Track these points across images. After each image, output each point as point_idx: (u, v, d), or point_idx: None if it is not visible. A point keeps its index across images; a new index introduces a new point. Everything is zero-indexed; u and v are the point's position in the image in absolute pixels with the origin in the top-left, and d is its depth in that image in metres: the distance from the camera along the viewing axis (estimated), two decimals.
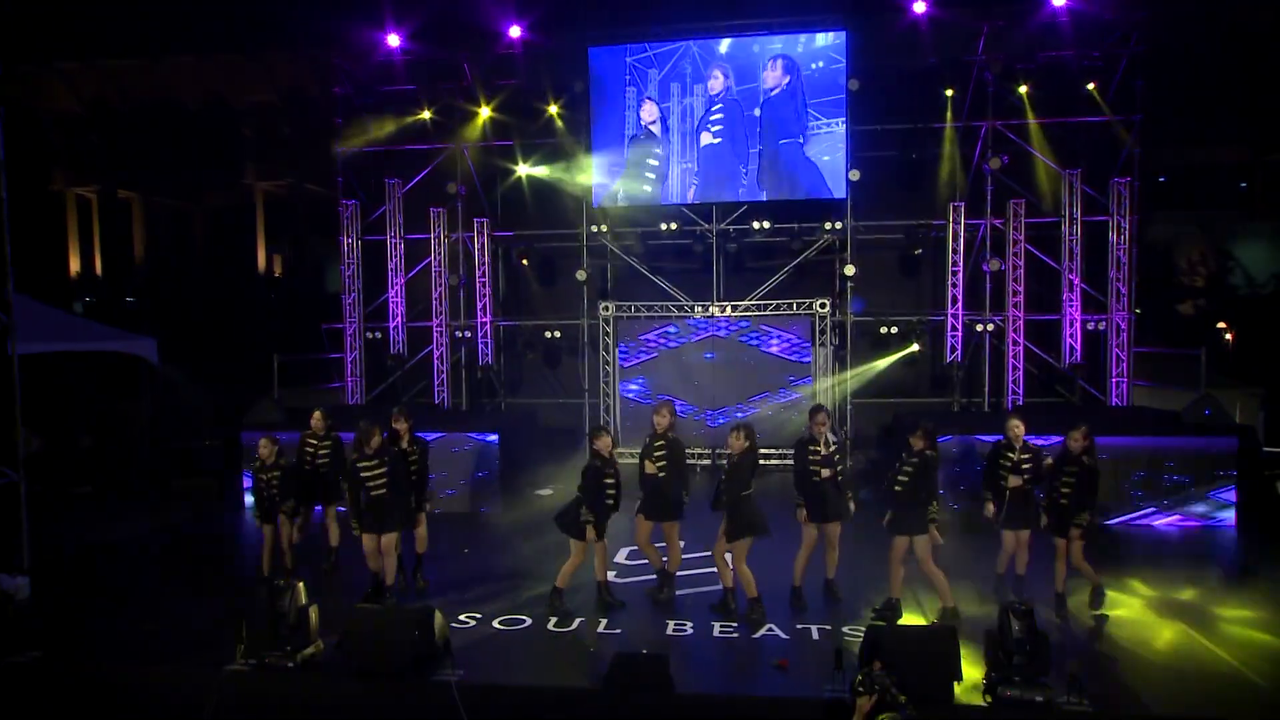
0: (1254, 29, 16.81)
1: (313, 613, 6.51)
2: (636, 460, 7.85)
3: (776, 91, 13.48)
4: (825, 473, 7.45)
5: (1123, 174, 13.30)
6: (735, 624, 7.17)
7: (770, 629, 7.08)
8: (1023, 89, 13.31)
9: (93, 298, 23.11)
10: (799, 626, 7.13)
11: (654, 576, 8.03)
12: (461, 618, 7.37)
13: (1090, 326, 13.52)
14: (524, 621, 7.33)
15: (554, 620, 7.30)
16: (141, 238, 24.20)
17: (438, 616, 6.39)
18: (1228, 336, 18.97)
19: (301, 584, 6.53)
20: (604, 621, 7.28)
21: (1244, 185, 20.50)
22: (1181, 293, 19.69)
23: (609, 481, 7.33)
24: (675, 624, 7.23)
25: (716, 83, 13.62)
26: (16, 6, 17.51)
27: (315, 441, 8.70)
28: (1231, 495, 10.05)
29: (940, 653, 5.77)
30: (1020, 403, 13.44)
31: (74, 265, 23.79)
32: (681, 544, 7.92)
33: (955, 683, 5.76)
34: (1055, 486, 7.35)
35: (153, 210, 24.25)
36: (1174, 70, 15.13)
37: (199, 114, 21.51)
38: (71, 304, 21.67)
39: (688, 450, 8.61)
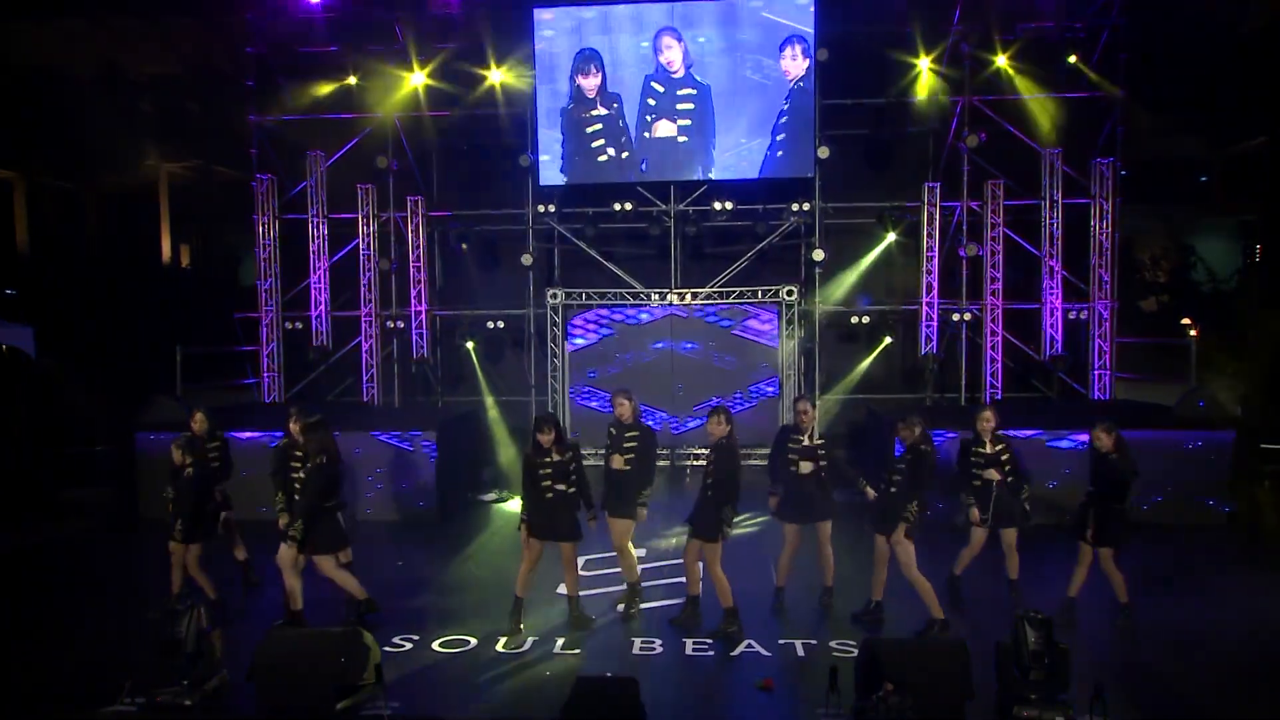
0: (1212, 21, 16.99)
1: (216, 639, 5.79)
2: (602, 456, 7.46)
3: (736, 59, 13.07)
4: (806, 466, 7.03)
5: (1105, 154, 13.23)
6: (710, 640, 6.66)
7: (750, 645, 6.59)
8: (1001, 60, 13.13)
9: None
10: (781, 642, 6.65)
11: (618, 588, 7.59)
12: (395, 640, 6.71)
13: (1072, 315, 13.41)
14: (468, 643, 6.70)
15: (503, 641, 6.69)
16: (24, 222, 22.71)
17: (367, 640, 5.73)
18: (1192, 333, 19.32)
19: (202, 605, 5.80)
20: (561, 641, 6.70)
21: (1204, 179, 20.86)
22: (1144, 289, 19.94)
23: (543, 473, 6.76)
24: (643, 642, 6.69)
25: (673, 53, 13.11)
26: None
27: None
28: (1226, 491, 9.93)
29: (950, 669, 5.34)
30: (999, 397, 13.27)
31: None
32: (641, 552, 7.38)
33: (967, 701, 5.33)
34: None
35: (38, 192, 22.75)
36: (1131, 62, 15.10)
37: (91, 86, 20.15)
38: None
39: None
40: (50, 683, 6.12)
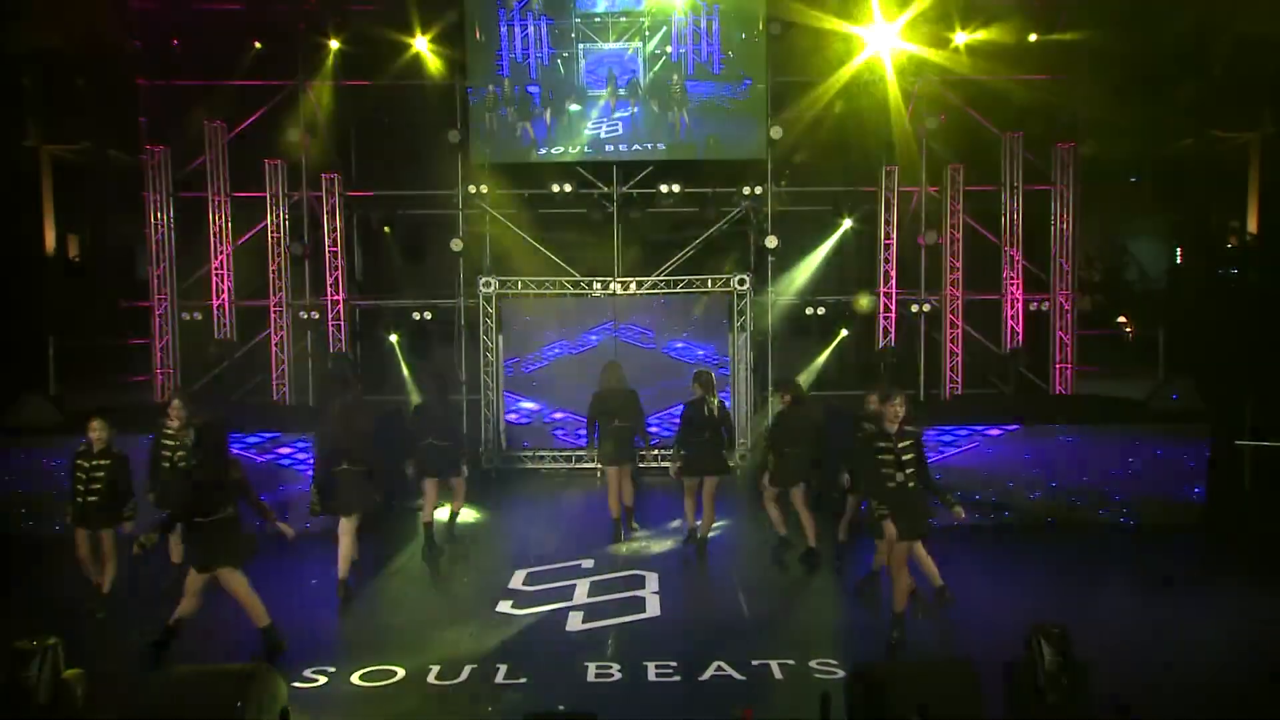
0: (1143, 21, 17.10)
1: (77, 684, 4.84)
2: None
3: (685, 30, 12.47)
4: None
5: (1065, 138, 13.06)
6: (675, 664, 5.99)
7: (719, 668, 5.94)
8: (959, 39, 12.81)
9: None
10: (755, 663, 6.02)
11: (554, 607, 7.03)
12: (307, 674, 5.87)
13: (1033, 307, 13.20)
14: (395, 674, 5.89)
15: (435, 670, 5.90)
16: None
17: (270, 678, 4.87)
18: (1127, 330, 19.67)
19: (58, 642, 4.84)
20: (503, 669, 5.93)
21: (1134, 179, 21.30)
22: (1081, 287, 20.21)
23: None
24: (598, 668, 5.97)
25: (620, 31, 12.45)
26: None
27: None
28: (1202, 487, 9.71)
29: (957, 694, 4.77)
30: (959, 392, 12.97)
31: None
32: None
33: None
34: None
35: None
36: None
37: None
38: None
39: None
40: None
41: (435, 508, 8.87)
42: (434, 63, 12.72)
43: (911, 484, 6.30)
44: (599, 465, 10.31)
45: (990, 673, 5.03)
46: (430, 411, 9.06)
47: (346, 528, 7.38)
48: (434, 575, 8.18)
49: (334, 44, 12.76)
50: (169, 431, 7.57)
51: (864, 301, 12.91)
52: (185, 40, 12.77)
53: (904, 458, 6.29)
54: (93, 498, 7.01)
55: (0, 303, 16.86)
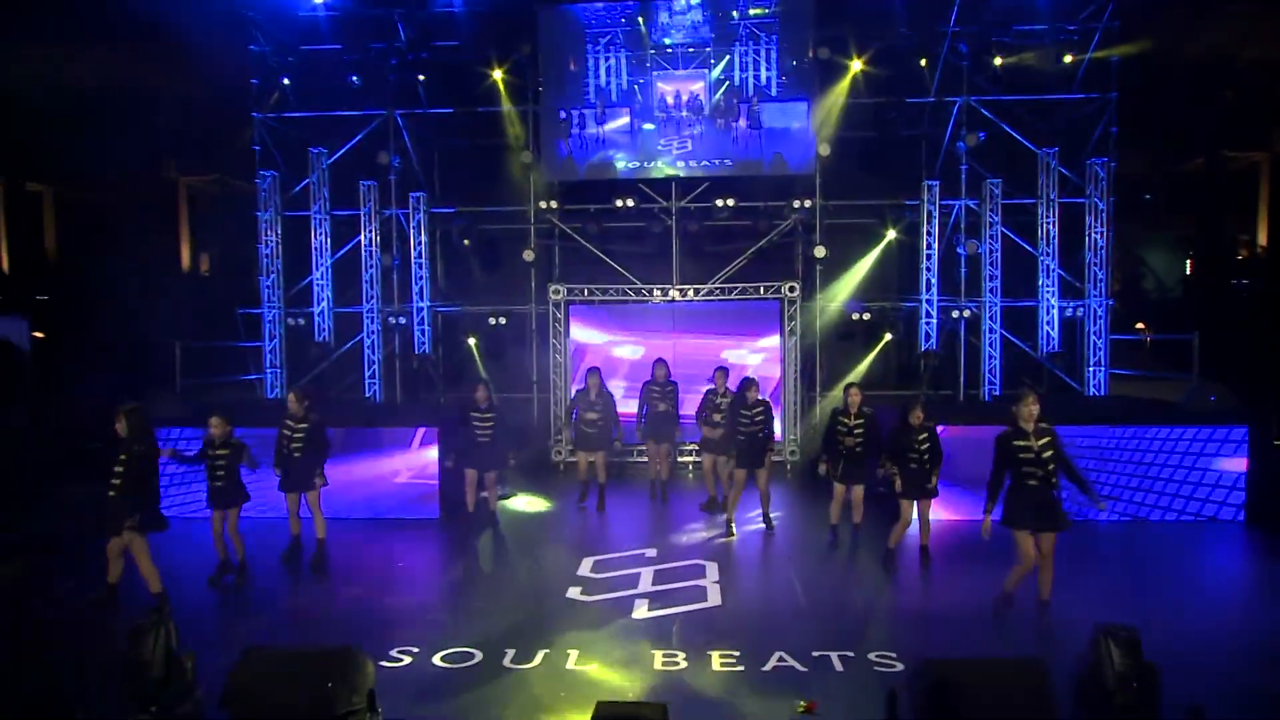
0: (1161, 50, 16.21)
1: (188, 659, 4.67)
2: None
3: (743, 59, 12.04)
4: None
5: (1099, 154, 12.29)
6: (737, 653, 5.59)
7: (780, 658, 5.52)
8: (997, 62, 12.16)
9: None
10: (815, 654, 5.58)
11: (621, 594, 6.71)
12: (393, 653, 5.61)
13: (1068, 313, 12.45)
14: (473, 656, 5.60)
15: (510, 654, 5.59)
16: (53, 231, 21.51)
17: (359, 660, 4.61)
18: (1147, 339, 18.77)
19: (172, 621, 4.67)
20: (574, 655, 5.60)
21: (1148, 197, 20.28)
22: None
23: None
24: (664, 656, 5.60)
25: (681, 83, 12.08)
26: None
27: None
28: (1241, 486, 8.95)
29: (1027, 693, 4.29)
30: (998, 393, 12.28)
31: None
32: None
33: None
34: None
35: (66, 204, 21.53)
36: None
37: (114, 105, 18.85)
38: None
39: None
40: (8, 706, 4.98)
41: (502, 498, 9.08)
42: (508, 90, 12.51)
43: (1053, 480, 5.92)
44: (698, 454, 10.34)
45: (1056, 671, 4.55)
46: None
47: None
48: (509, 561, 7.89)
49: (421, 77, 12.67)
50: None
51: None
52: (293, 77, 12.80)
53: (1043, 455, 5.93)
54: (218, 483, 7.20)
55: (140, 311, 17.29)
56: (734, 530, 8.49)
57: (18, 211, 20.91)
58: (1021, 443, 5.97)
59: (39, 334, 16.59)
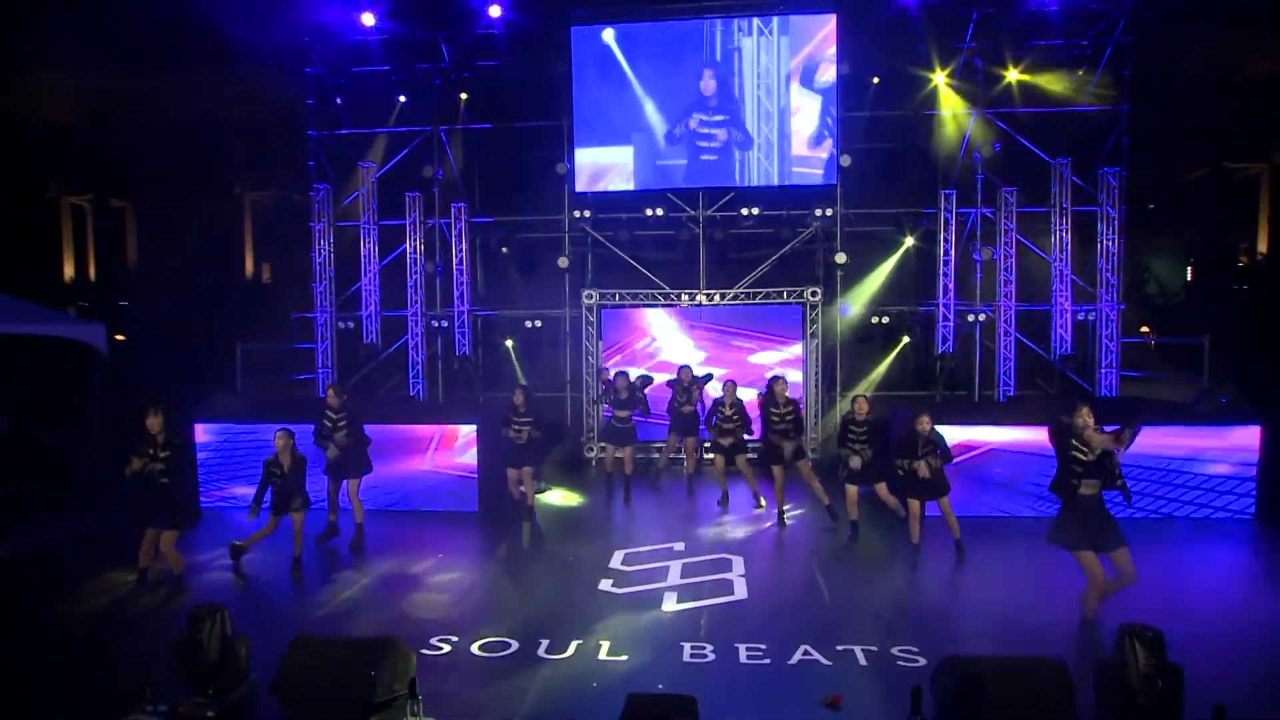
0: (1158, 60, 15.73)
1: (242, 646, 4.64)
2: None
3: (766, 75, 11.85)
4: (1091, 486, 5.59)
5: (1110, 164, 11.91)
6: (764, 647, 5.44)
7: (806, 651, 5.36)
8: (1012, 76, 11.86)
9: (87, 302, 20.80)
10: (839, 648, 5.41)
11: (651, 587, 6.60)
12: (433, 641, 5.54)
13: (1080, 317, 12.09)
14: (510, 645, 5.51)
15: (545, 644, 5.50)
16: (134, 245, 22.05)
17: (401, 650, 4.56)
18: (1151, 341, 18.29)
19: (226, 609, 4.65)
20: (605, 646, 5.49)
21: (1152, 206, 19.74)
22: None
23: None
24: (693, 648, 5.46)
25: (706, 83, 11.91)
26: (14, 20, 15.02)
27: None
28: (1253, 485, 8.59)
29: (1050, 692, 4.10)
30: (1013, 394, 11.96)
31: (68, 271, 21.53)
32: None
33: None
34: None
35: (145, 219, 22.07)
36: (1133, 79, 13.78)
37: (190, 127, 19.18)
38: (65, 308, 19.28)
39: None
40: (71, 686, 5.00)
41: (539, 492, 9.08)
42: (544, 106, 12.45)
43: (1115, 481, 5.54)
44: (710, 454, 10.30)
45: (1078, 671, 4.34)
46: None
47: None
48: (545, 554, 7.80)
49: (463, 95, 12.66)
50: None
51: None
52: (345, 97, 12.86)
53: (1101, 462, 5.52)
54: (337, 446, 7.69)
55: (205, 316, 17.54)
56: (785, 522, 8.58)
57: (103, 226, 21.58)
58: (1079, 450, 5.52)
59: (120, 336, 16.93)
